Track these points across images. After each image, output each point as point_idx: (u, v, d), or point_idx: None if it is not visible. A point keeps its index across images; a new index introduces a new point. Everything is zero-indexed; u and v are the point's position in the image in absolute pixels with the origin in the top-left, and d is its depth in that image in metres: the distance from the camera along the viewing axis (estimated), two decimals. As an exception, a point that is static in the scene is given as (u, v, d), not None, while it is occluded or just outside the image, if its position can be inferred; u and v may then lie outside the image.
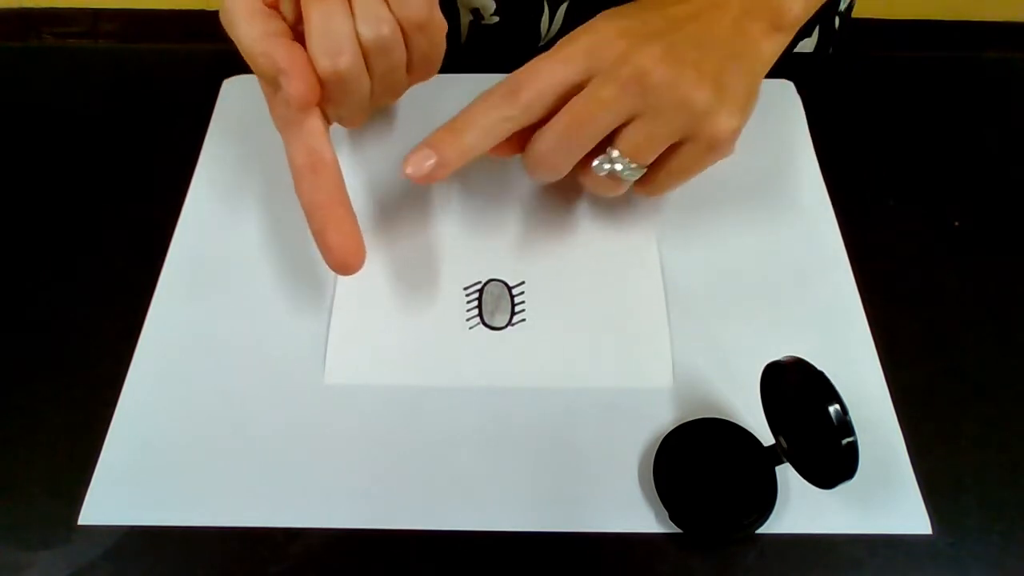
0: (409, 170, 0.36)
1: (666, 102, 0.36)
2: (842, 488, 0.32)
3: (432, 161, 0.36)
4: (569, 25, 0.57)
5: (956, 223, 0.47)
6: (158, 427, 0.39)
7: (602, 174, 0.39)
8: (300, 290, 0.43)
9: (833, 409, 0.31)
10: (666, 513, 0.35)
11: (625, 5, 0.39)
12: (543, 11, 0.56)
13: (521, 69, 0.37)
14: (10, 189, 0.48)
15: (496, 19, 0.57)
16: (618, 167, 0.38)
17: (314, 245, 0.44)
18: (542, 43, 0.59)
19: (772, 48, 0.40)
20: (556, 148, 0.37)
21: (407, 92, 0.41)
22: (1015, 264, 0.45)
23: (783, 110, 0.51)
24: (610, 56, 0.36)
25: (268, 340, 0.41)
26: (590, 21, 0.38)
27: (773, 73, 0.52)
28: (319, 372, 0.40)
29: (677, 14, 0.38)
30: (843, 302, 0.43)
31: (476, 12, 0.57)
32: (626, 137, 0.37)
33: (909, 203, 0.48)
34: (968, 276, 0.44)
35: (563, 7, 0.56)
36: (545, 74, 0.37)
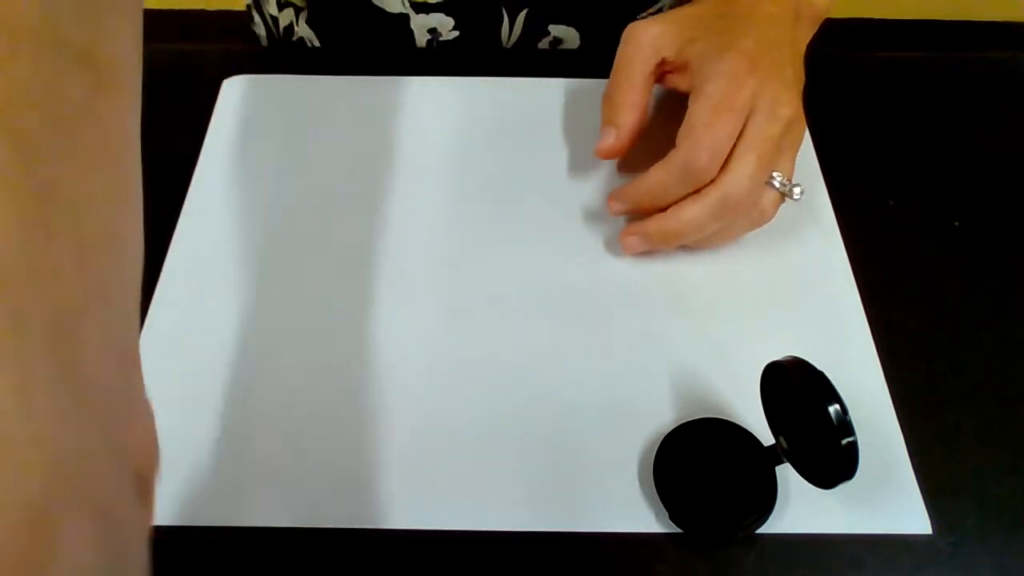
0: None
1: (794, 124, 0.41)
2: (842, 488, 0.32)
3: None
4: (530, 31, 0.57)
5: (956, 223, 0.47)
6: (157, 427, 0.38)
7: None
8: (300, 290, 0.43)
9: (833, 409, 0.31)
10: (666, 513, 0.35)
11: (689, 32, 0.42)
12: (503, 20, 0.57)
13: (695, 148, 0.39)
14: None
15: (456, 34, 0.57)
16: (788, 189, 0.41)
17: (314, 245, 0.45)
18: (506, 45, 0.59)
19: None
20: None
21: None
22: (1015, 264, 0.45)
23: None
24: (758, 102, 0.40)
25: (268, 340, 0.41)
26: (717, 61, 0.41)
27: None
28: (319, 372, 0.40)
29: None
30: (843, 302, 0.43)
31: (433, 31, 0.58)
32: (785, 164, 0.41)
33: (909, 203, 0.48)
34: (968, 276, 0.44)
35: (523, 14, 0.56)
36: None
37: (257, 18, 0.64)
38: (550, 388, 0.40)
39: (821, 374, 0.32)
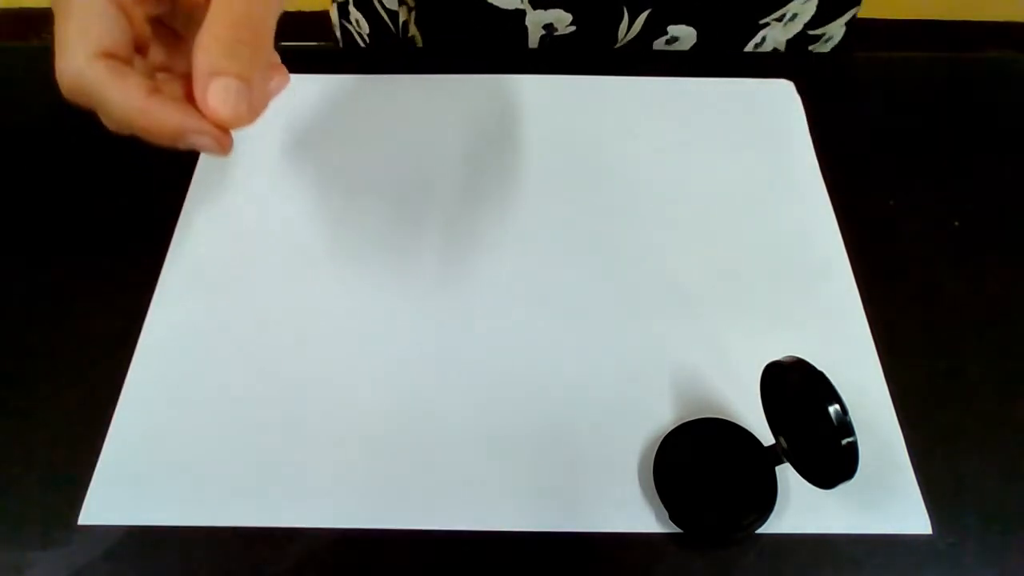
0: None
1: None
2: (842, 488, 0.32)
3: None
4: (649, 30, 0.56)
5: (956, 223, 0.47)
6: (158, 427, 0.39)
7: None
8: (299, 289, 0.43)
9: (833, 409, 0.31)
10: (666, 513, 0.35)
11: None
12: (623, 17, 0.56)
13: None
14: (10, 189, 0.48)
15: (572, 29, 0.57)
16: None
17: (315, 244, 0.45)
18: (618, 45, 0.58)
19: None
20: None
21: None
22: (1015, 264, 0.45)
23: (783, 110, 0.51)
24: None
25: (268, 340, 0.41)
26: None
27: (773, 73, 0.53)
28: (317, 371, 0.40)
29: None
30: (843, 302, 0.43)
31: (549, 27, 0.57)
32: None
33: (909, 203, 0.48)
34: (968, 276, 0.44)
35: (645, 14, 0.55)
36: None
37: (339, 22, 0.65)
38: (550, 388, 0.40)
39: (821, 374, 0.32)
